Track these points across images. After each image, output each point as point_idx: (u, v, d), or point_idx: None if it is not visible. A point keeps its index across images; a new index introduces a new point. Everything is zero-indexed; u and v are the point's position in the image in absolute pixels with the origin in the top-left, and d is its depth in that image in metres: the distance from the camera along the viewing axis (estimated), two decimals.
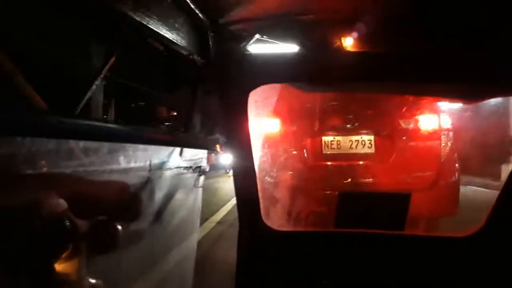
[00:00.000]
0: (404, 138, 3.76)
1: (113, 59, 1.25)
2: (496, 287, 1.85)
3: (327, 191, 3.49)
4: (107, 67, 1.24)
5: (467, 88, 2.20)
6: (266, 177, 3.27)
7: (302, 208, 3.23)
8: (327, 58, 1.90)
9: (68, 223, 1.05)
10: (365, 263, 1.97)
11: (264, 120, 3.19)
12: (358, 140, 3.75)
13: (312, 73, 1.83)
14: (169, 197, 1.41)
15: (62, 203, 1.02)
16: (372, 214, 2.16)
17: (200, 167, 1.60)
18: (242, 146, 1.84)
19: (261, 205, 1.90)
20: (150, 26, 1.27)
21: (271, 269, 1.93)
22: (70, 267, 1.09)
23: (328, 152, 3.79)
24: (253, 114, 2.01)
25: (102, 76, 1.24)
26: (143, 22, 1.24)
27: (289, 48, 1.95)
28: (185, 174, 1.54)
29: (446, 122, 3.70)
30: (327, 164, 3.81)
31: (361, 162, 3.76)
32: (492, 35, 1.77)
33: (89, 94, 1.20)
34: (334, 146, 3.79)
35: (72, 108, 1.29)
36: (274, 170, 3.41)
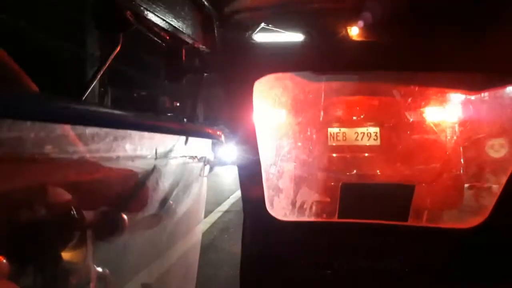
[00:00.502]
0: (410, 130, 3.69)
1: (118, 48, 1.23)
2: (499, 278, 1.85)
3: (332, 182, 3.43)
4: (112, 56, 1.22)
5: (472, 78, 2.18)
6: (271, 169, 3.18)
7: (307, 199, 3.20)
8: (333, 47, 1.87)
9: (73, 212, 1.04)
10: (368, 253, 1.96)
11: (270, 111, 3.09)
12: (363, 132, 3.70)
13: (318, 63, 1.81)
14: (174, 186, 1.40)
15: (68, 192, 1.01)
16: (376, 205, 2.15)
17: (205, 156, 1.59)
18: (247, 136, 1.82)
19: (266, 195, 1.90)
20: (156, 14, 1.25)
21: (276, 259, 1.93)
22: (77, 257, 1.08)
23: (334, 144, 3.74)
24: (258, 104, 1.99)
25: (107, 64, 1.22)
26: (149, 9, 1.22)
27: (295, 37, 1.91)
28: (190, 163, 1.52)
29: (453, 114, 3.57)
30: (333, 156, 3.76)
31: (366, 154, 3.72)
32: (497, 24, 1.74)
33: (94, 82, 1.18)
34: (340, 138, 3.73)
35: (76, 95, 1.27)
36: (279, 161, 3.34)
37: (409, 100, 3.59)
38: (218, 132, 1.61)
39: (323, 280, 1.92)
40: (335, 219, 2.13)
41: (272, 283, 1.92)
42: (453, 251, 1.92)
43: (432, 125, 3.61)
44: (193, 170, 1.54)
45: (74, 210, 1.01)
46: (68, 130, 1.01)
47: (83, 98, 1.24)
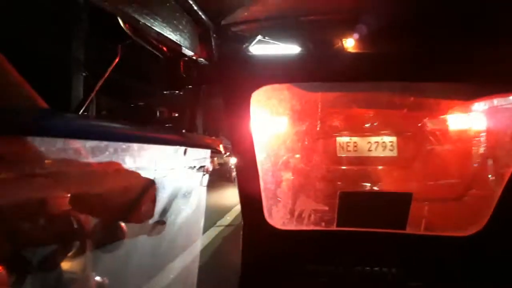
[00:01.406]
0: (430, 140, 3.21)
1: (117, 59, 1.26)
2: (496, 286, 1.86)
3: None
4: (111, 67, 1.25)
5: (469, 87, 2.20)
6: (270, 184, 2.81)
7: (314, 216, 2.84)
8: (329, 59, 1.89)
9: (74, 222, 1.06)
10: (366, 261, 1.97)
11: (270, 119, 2.82)
12: (378, 142, 3.24)
13: (315, 74, 1.83)
14: (173, 196, 1.42)
15: (68, 201, 1.03)
16: (374, 213, 2.16)
17: (204, 166, 1.61)
18: (245, 147, 1.84)
19: (264, 205, 1.91)
20: (154, 28, 1.28)
21: (275, 267, 1.93)
22: (76, 266, 1.10)
23: (343, 155, 3.29)
24: (258, 113, 2.01)
25: (106, 75, 1.25)
26: (147, 23, 1.25)
27: (291, 49, 1.95)
28: (189, 174, 1.54)
29: (479, 122, 3.04)
30: (342, 169, 3.29)
31: (380, 167, 3.24)
32: (494, 33, 1.76)
33: (93, 94, 1.21)
34: (351, 148, 3.28)
35: (70, 107, 1.30)
36: (281, 175, 2.99)
37: (431, 107, 3.16)
38: (216, 142, 1.63)
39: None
40: (333, 227, 2.13)
41: None
42: (451, 259, 1.93)
43: (456, 134, 3.19)
44: (192, 180, 1.56)
45: (74, 221, 1.03)
46: (68, 143, 1.03)
47: (81, 110, 1.27)
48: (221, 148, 1.75)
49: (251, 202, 1.92)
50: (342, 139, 3.30)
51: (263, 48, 1.88)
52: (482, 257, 1.86)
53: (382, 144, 3.24)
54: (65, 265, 1.08)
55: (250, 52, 1.83)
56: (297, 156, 3.17)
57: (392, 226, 2.02)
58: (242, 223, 1.98)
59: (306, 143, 3.25)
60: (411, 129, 3.27)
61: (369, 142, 3.26)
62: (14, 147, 0.80)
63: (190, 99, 1.79)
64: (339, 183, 3.12)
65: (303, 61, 1.89)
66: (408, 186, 2.94)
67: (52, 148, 0.97)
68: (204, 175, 1.60)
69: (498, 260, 1.83)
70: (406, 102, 3.10)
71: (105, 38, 1.32)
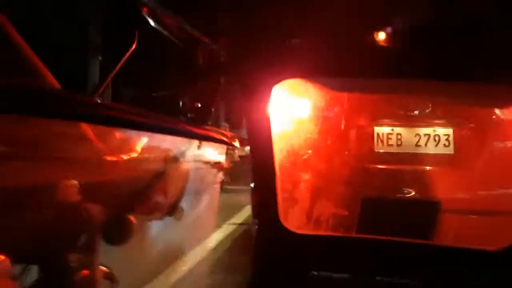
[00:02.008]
0: (500, 134, 2.65)
1: (134, 45, 1.28)
2: None
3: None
4: (128, 54, 1.27)
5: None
6: (288, 185, 2.40)
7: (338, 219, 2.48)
8: (358, 52, 1.83)
9: (83, 213, 1.08)
10: (388, 271, 1.95)
11: (293, 114, 2.46)
12: (429, 134, 2.66)
13: (343, 68, 1.78)
14: (186, 190, 1.43)
15: (79, 192, 1.04)
16: (399, 221, 2.13)
17: (219, 162, 1.62)
18: (263, 144, 1.83)
19: (280, 206, 1.90)
20: (172, 13, 1.29)
21: (287, 271, 1.93)
22: (84, 256, 1.12)
23: (382, 151, 2.71)
24: (279, 108, 1.98)
25: (122, 61, 1.27)
26: (166, 10, 1.26)
27: (317, 40, 1.91)
28: (203, 168, 1.55)
29: None
30: (381, 169, 2.73)
31: (431, 168, 2.68)
32: None
33: (108, 79, 1.23)
34: (393, 141, 2.70)
35: (86, 91, 1.32)
36: (301, 176, 2.58)
37: (501, 92, 2.52)
38: (232, 137, 1.64)
39: None
40: (353, 234, 2.11)
41: None
42: (480, 274, 1.89)
43: None
44: (206, 175, 1.57)
45: (83, 210, 1.05)
46: (80, 129, 1.05)
47: (95, 96, 1.29)
48: (236, 143, 1.75)
49: (265, 202, 1.91)
50: (381, 130, 2.70)
51: (287, 39, 1.85)
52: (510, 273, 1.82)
53: (435, 138, 2.65)
54: (73, 255, 1.10)
55: (272, 42, 1.81)
56: (330, 151, 2.67)
57: (417, 236, 1.99)
58: (253, 223, 1.98)
59: (334, 138, 2.75)
60: (474, 119, 2.66)
61: (417, 134, 2.67)
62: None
63: (213, 90, 1.79)
64: (375, 187, 2.63)
65: (332, 54, 1.82)
66: (466, 194, 2.52)
67: (62, 133, 0.99)
68: (218, 171, 1.61)
69: None
70: (469, 83, 2.32)
71: (123, 23, 1.34)
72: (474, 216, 2.43)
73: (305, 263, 1.96)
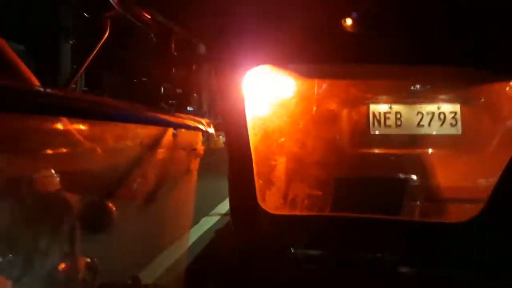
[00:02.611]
0: None
1: (106, 34, 1.28)
2: (492, 273, 1.91)
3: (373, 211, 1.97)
4: (100, 43, 1.27)
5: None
6: (265, 173, 2.20)
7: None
8: (337, 37, 1.75)
9: (62, 202, 1.10)
10: (361, 248, 2.03)
11: (271, 96, 2.21)
12: (432, 112, 2.29)
13: (317, 54, 1.75)
14: (162, 178, 1.45)
15: (56, 181, 1.06)
16: (368, 199, 2.19)
17: (195, 149, 1.64)
18: (238, 129, 1.85)
19: (257, 189, 1.94)
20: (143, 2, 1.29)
21: (266, 250, 1.98)
22: (64, 246, 1.14)
23: (377, 132, 2.33)
24: (254, 92, 1.94)
25: (95, 52, 1.27)
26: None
27: (288, 27, 1.93)
28: (179, 156, 1.57)
29: None
30: (377, 154, 2.36)
31: (435, 151, 2.31)
32: None
33: (82, 69, 1.23)
34: (391, 121, 2.30)
35: (59, 75, 1.31)
36: (277, 162, 2.28)
37: None
38: (207, 123, 1.66)
39: (314, 273, 1.98)
40: (328, 212, 2.18)
41: (268, 274, 1.97)
42: (446, 245, 1.98)
43: None
44: (182, 162, 1.59)
45: (63, 199, 1.07)
46: (54, 121, 1.06)
47: (72, 84, 1.29)
48: (211, 130, 1.78)
49: (242, 185, 1.95)
50: (378, 108, 2.31)
51: (258, 24, 1.86)
52: (478, 243, 1.91)
53: (440, 116, 2.28)
54: (53, 245, 1.12)
55: (245, 28, 1.81)
56: (318, 133, 2.34)
57: (386, 212, 2.06)
58: (230, 208, 2.00)
59: (334, 113, 2.42)
60: (484, 93, 2.29)
61: (419, 112, 2.29)
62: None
63: (194, 76, 1.79)
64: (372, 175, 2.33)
65: (301, 39, 1.82)
66: (477, 183, 2.16)
67: (38, 125, 1.00)
68: (195, 158, 1.63)
69: (493, 247, 1.88)
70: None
71: (91, 9, 1.33)
72: (442, 191, 2.26)
73: (283, 242, 2.02)
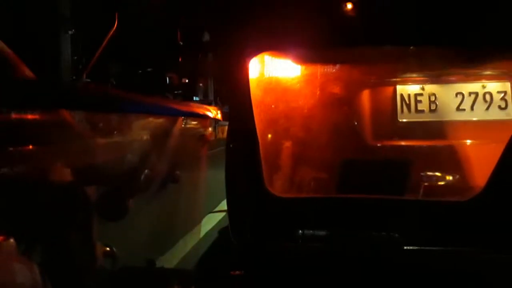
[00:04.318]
0: None
1: (115, 26, 1.26)
2: (494, 252, 1.92)
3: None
4: (109, 35, 1.25)
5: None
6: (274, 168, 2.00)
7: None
8: (334, 21, 1.72)
9: (78, 193, 1.10)
10: (366, 228, 2.04)
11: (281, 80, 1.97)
12: (476, 93, 1.84)
13: (326, 38, 1.69)
14: (173, 166, 1.45)
15: (72, 172, 1.06)
16: (372, 180, 2.19)
17: (204, 135, 1.63)
18: (243, 117, 1.83)
19: (264, 173, 1.94)
20: None
21: (274, 231, 1.99)
22: (82, 236, 1.15)
23: (405, 120, 1.92)
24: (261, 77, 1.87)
25: (104, 44, 1.25)
26: None
27: (297, 9, 1.87)
28: (189, 142, 1.57)
29: None
30: (406, 146, 1.96)
31: (480, 142, 1.87)
32: None
33: (92, 62, 1.21)
34: (423, 105, 1.88)
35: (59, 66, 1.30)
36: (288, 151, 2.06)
37: None
38: (215, 111, 1.65)
39: (321, 254, 2.00)
40: (333, 194, 2.18)
41: (272, 257, 1.99)
42: (449, 224, 1.99)
43: None
44: (191, 149, 1.59)
45: (79, 190, 1.07)
46: (67, 113, 1.05)
47: (80, 76, 1.28)
48: (219, 116, 1.77)
49: (249, 169, 1.94)
50: (407, 89, 1.88)
51: (263, 10, 1.82)
52: (481, 222, 1.91)
53: (485, 96, 1.82)
54: (71, 235, 1.13)
55: (250, 14, 1.77)
56: (333, 124, 2.02)
57: (390, 192, 2.06)
58: (226, 192, 1.95)
59: (352, 98, 2.08)
60: None
61: (460, 92, 1.84)
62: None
63: (200, 66, 1.77)
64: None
65: (306, 24, 1.76)
66: None
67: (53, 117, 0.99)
68: (204, 144, 1.63)
69: (495, 225, 1.89)
70: None
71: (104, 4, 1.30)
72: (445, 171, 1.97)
73: (291, 224, 2.03)
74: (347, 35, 1.63)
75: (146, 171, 1.31)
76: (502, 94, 1.83)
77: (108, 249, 1.16)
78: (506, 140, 1.81)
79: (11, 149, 0.88)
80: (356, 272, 1.87)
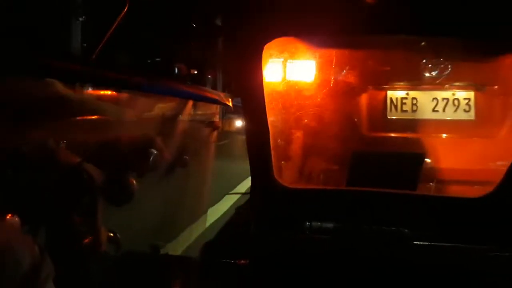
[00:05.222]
0: None
1: (125, 9, 1.22)
2: (506, 250, 1.88)
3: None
4: (119, 18, 1.21)
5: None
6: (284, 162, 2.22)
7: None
8: (358, 7, 1.63)
9: (84, 175, 1.07)
10: (376, 222, 2.00)
11: (291, 73, 2.20)
12: (447, 99, 2.36)
13: (340, 25, 1.66)
14: (181, 150, 1.41)
15: (78, 153, 1.03)
16: (384, 173, 2.15)
17: (213, 121, 1.60)
18: (255, 104, 1.80)
19: (274, 164, 1.91)
20: None
21: (283, 223, 1.97)
22: (87, 219, 1.12)
23: (394, 117, 2.42)
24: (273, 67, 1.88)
25: (114, 27, 1.22)
26: None
27: None
28: (198, 128, 1.54)
29: None
30: (393, 137, 2.43)
31: (449, 136, 2.38)
32: None
33: (101, 45, 1.18)
34: (407, 106, 2.40)
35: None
36: (301, 148, 2.31)
37: None
38: (226, 97, 1.61)
39: (329, 246, 1.96)
40: (344, 187, 2.14)
41: (282, 247, 1.96)
42: (461, 221, 1.94)
43: None
44: (201, 135, 1.56)
45: (84, 171, 1.04)
46: (78, 91, 1.02)
47: (94, 56, 1.25)
48: (230, 102, 1.73)
49: (260, 160, 1.91)
50: (395, 94, 2.39)
51: None
52: (493, 219, 1.87)
53: (454, 102, 2.35)
54: (76, 218, 1.10)
55: (263, 0, 1.73)
56: (337, 117, 2.36)
57: (403, 187, 2.02)
58: (251, 182, 1.98)
59: (353, 99, 2.48)
60: (498, 80, 2.32)
61: (435, 98, 2.36)
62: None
63: (209, 56, 1.73)
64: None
65: (328, 10, 1.64)
66: (488, 165, 2.18)
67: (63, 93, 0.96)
68: (213, 130, 1.60)
69: (507, 223, 1.84)
70: (490, 42, 1.91)
71: None
72: (454, 172, 2.31)
73: (300, 215, 2.00)
74: (362, 23, 1.65)
75: (155, 151, 1.28)
76: (467, 101, 2.37)
77: (111, 234, 1.13)
78: (469, 135, 2.37)
79: (20, 125, 0.85)
80: (363, 266, 1.84)
